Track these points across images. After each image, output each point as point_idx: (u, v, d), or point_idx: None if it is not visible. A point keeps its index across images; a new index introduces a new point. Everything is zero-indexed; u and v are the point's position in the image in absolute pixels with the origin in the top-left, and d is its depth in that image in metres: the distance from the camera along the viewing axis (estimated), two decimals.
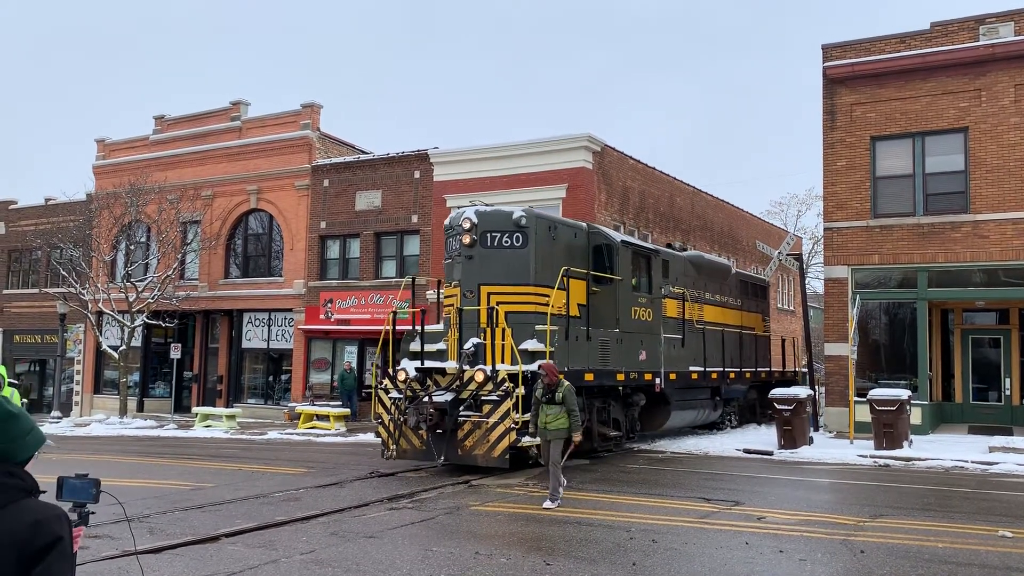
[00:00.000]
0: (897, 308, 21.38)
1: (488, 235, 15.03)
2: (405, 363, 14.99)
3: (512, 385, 13.41)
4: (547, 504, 10.73)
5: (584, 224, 17.17)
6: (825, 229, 21.96)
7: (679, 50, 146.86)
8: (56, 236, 31.10)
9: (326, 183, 28.59)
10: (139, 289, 28.67)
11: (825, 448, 17.54)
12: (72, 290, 30.18)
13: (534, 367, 12.91)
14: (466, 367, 13.99)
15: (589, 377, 15.09)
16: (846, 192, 21.27)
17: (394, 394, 14.53)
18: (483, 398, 13.64)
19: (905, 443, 16.78)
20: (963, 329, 23.32)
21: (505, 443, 13.26)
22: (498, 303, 14.43)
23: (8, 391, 10.89)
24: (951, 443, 17.88)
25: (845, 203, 21.24)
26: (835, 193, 21.44)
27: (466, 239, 14.99)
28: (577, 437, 10.93)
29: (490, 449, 13.44)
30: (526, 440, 13.19)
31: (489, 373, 13.65)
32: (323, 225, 28.55)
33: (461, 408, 13.72)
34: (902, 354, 21.06)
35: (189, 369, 31.58)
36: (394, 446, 14.39)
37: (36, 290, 35.33)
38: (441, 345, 15.19)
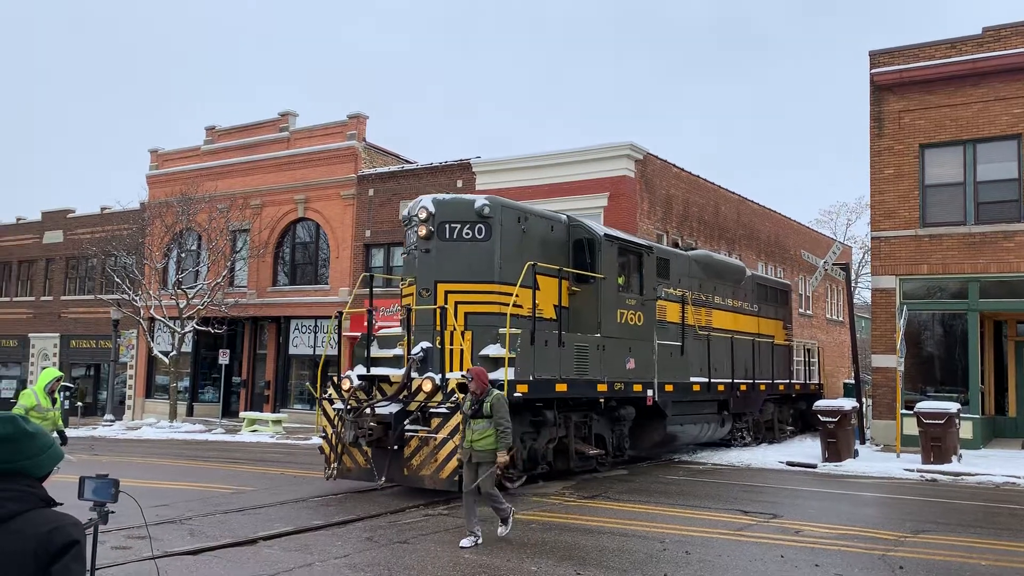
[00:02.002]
0: (947, 319, 20.88)
1: (447, 226, 13.35)
2: (358, 370, 13.25)
3: (463, 396, 11.26)
4: (500, 531, 9.35)
5: (564, 217, 15.35)
6: (872, 239, 21.58)
7: (721, 55, 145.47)
8: (111, 244, 31.98)
9: (371, 192, 28.98)
10: (189, 296, 29.32)
11: (870, 461, 17.20)
12: (125, 297, 30.99)
13: (497, 375, 11.89)
14: (415, 375, 12.30)
15: (561, 388, 13.36)
16: (894, 201, 20.87)
17: (339, 405, 12.67)
18: (431, 410, 11.89)
19: (954, 458, 16.37)
20: (1017, 341, 22.68)
21: (454, 463, 11.37)
22: (457, 303, 13.07)
23: (29, 393, 11.22)
24: (1003, 458, 17.39)
25: (893, 212, 20.84)
26: (883, 202, 21.05)
27: (422, 231, 13.35)
28: (502, 457, 8.96)
29: (438, 469, 11.64)
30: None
31: (438, 382, 11.96)
32: (368, 234, 28.94)
33: (407, 421, 11.91)
34: (953, 366, 20.56)
35: (237, 375, 32.18)
36: (335, 464, 12.50)
37: (91, 296, 36.33)
38: (398, 350, 13.57)
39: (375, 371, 13.10)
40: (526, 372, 12.58)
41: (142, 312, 31.16)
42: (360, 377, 12.87)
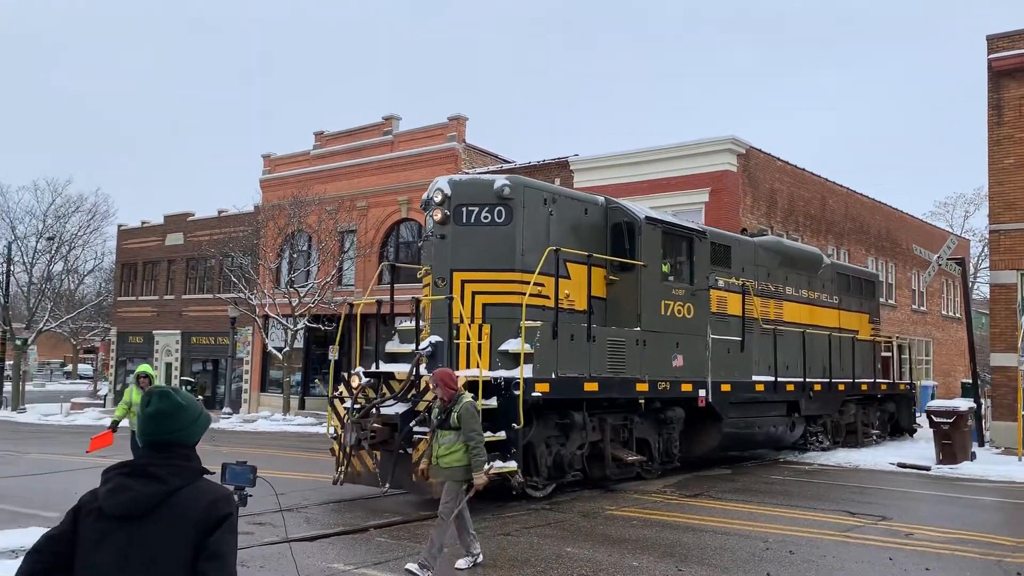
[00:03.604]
0: None
1: (463, 209, 12.20)
2: (383, 366, 12.39)
3: (471, 395, 10.09)
4: (459, 564, 7.97)
5: (601, 198, 13.91)
6: (991, 231, 20.63)
7: (825, 44, 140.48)
8: (228, 245, 33.62)
9: None
10: (301, 294, 30.53)
11: (989, 464, 16.48)
12: (241, 295, 32.51)
13: (512, 374, 11.01)
14: (424, 372, 11.13)
15: (591, 387, 12.15)
16: (1014, 192, 19.88)
17: (349, 403, 11.72)
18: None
19: None
20: None
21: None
22: (474, 293, 12.01)
23: (136, 392, 11.94)
24: None
25: (1013, 203, 19.86)
26: (1002, 193, 20.09)
27: (437, 215, 12.27)
28: (479, 480, 7.60)
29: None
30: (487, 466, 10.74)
31: None
32: None
33: (415, 422, 10.75)
34: None
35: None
36: (342, 468, 11.49)
37: (210, 295, 38.26)
38: (424, 343, 12.24)
39: (384, 367, 12.29)
40: (547, 369, 11.52)
41: (257, 310, 32.63)
42: (367, 374, 12.04)
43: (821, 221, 28.98)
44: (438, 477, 7.85)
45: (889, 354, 23.59)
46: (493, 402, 10.88)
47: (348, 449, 11.33)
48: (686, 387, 14.04)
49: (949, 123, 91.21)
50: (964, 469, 16.11)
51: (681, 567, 8.00)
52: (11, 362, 39.46)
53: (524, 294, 11.38)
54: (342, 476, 11.55)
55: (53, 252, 41.68)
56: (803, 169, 28.17)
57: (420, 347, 11.60)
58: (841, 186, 30.70)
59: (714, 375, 14.72)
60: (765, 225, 25.55)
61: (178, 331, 40.13)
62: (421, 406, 10.81)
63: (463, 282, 12.07)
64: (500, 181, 12.21)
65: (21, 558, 8.11)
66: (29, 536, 9.02)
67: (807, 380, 17.36)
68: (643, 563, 8.13)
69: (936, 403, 17.20)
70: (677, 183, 24.89)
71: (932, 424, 16.93)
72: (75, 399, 38.32)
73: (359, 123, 33.97)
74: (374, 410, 11.11)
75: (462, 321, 11.59)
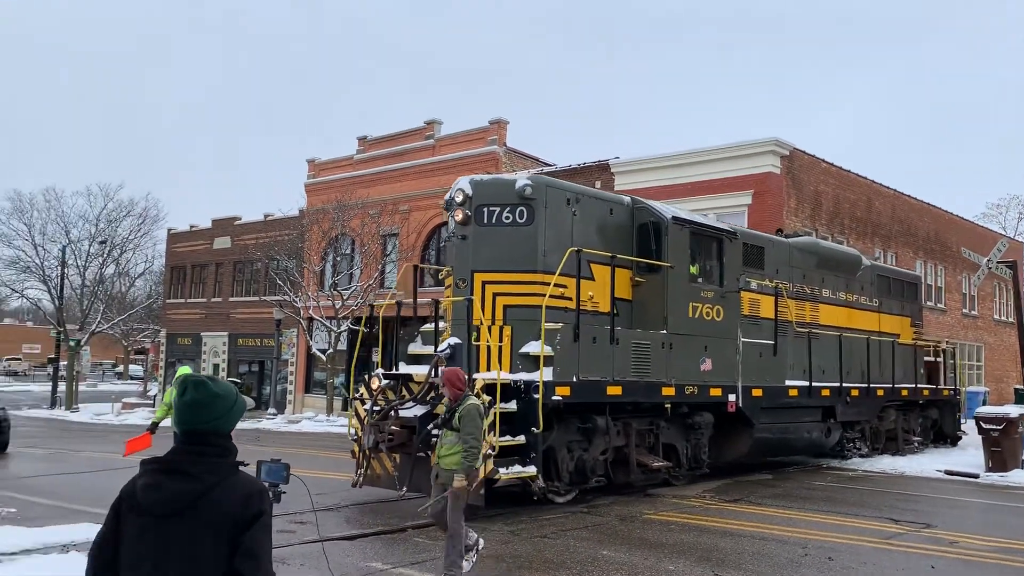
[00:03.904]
0: None
1: (485, 210, 12.08)
2: (404, 368, 12.30)
3: (489, 399, 10.39)
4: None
5: (627, 198, 13.77)
6: None
7: (867, 41, 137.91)
8: (273, 249, 34.18)
9: None
10: (344, 297, 30.92)
11: None
12: (286, 298, 33.04)
13: (532, 376, 10.84)
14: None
15: (614, 391, 11.90)
16: None
17: (369, 405, 11.62)
18: (459, 414, 11.22)
19: None
20: None
21: (480, 474, 9.66)
22: (495, 294, 11.84)
23: (170, 393, 12.20)
24: None
25: None
26: None
27: (459, 215, 12.16)
28: (459, 482, 7.38)
29: (478, 480, 10.58)
30: (505, 471, 10.43)
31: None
32: None
33: (433, 425, 10.21)
34: None
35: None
36: (362, 470, 11.50)
37: (256, 298, 38.92)
38: (443, 345, 12.06)
39: (404, 369, 12.19)
40: (568, 372, 11.33)
41: (301, 312, 33.11)
42: (386, 376, 11.95)
43: (867, 223, 28.51)
44: (440, 478, 7.72)
45: (934, 359, 22.89)
46: (513, 405, 10.72)
47: (367, 451, 11.31)
48: (715, 391, 13.73)
49: (1005, 122, 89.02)
50: (1015, 477, 15.73)
51: (718, 572, 7.96)
52: (65, 363, 40.57)
53: (546, 295, 11.19)
54: (361, 479, 11.55)
55: (105, 255, 42.78)
56: (848, 171, 27.76)
57: (439, 349, 11.50)
58: (888, 188, 30.18)
59: (745, 379, 14.37)
60: (810, 228, 25.23)
61: (225, 333, 40.87)
62: (440, 409, 10.49)
63: (484, 283, 11.94)
64: (522, 181, 12.13)
65: (70, 552, 8.34)
66: (78, 532, 9.31)
67: (843, 385, 16.92)
68: (679, 567, 8.11)
69: (985, 409, 16.84)
70: (719, 185, 24.71)
71: (981, 431, 16.56)
72: (126, 399, 39.23)
73: (401, 127, 34.32)
74: (392, 412, 11.06)
75: (482, 324, 11.45)
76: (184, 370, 12.48)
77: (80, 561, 7.96)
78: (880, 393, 18.19)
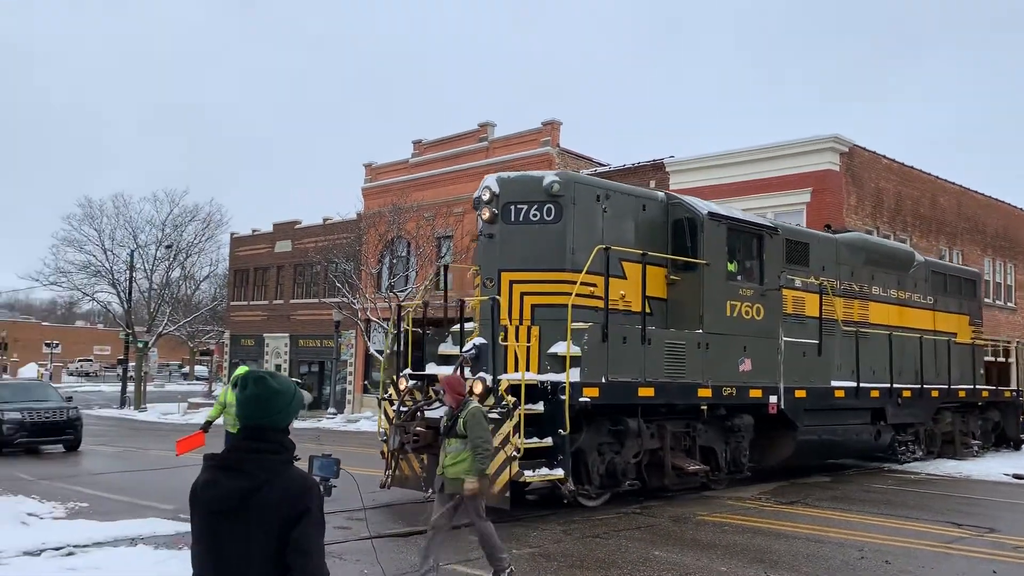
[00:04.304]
0: None
1: (512, 208, 11.79)
2: (432, 368, 12.27)
3: (514, 400, 10.21)
4: None
5: (661, 194, 13.43)
6: None
7: (933, 31, 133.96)
8: (332, 252, 34.80)
9: None
10: (400, 299, 31.33)
11: None
12: (345, 300, 33.60)
13: (559, 377, 10.63)
14: (468, 374, 10.96)
15: (646, 392, 11.55)
16: None
17: (397, 405, 11.59)
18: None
19: None
20: None
21: (505, 477, 9.97)
22: (523, 294, 11.60)
23: (231, 393, 12.49)
24: None
25: None
26: None
27: (486, 214, 11.91)
28: (470, 484, 7.27)
29: (491, 482, 9.85)
30: (531, 474, 10.23)
31: (490, 383, 10.48)
32: None
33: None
34: None
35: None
36: (390, 471, 11.44)
37: (316, 300, 39.66)
38: (468, 346, 11.94)
39: (434, 370, 12.07)
40: (597, 373, 11.00)
41: (359, 314, 33.65)
42: (411, 376, 11.87)
43: (931, 221, 27.79)
44: (447, 488, 7.47)
45: (994, 358, 22.09)
46: (540, 407, 10.55)
47: (395, 452, 11.28)
48: (755, 393, 13.27)
49: None
50: None
51: (770, 573, 7.92)
52: (133, 364, 41.90)
53: (580, 295, 10.97)
54: (389, 479, 11.47)
55: (171, 260, 44.00)
56: (911, 167, 27.09)
57: (464, 349, 11.43)
58: (953, 183, 29.36)
59: (787, 380, 13.87)
60: (871, 226, 24.71)
61: (287, 334, 41.74)
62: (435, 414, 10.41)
63: (511, 282, 11.69)
64: (549, 177, 11.80)
65: (139, 545, 8.67)
66: (146, 526, 9.69)
67: (894, 386, 16.32)
68: (730, 568, 8.09)
69: None
70: (776, 183, 24.36)
71: None
72: (192, 399, 40.36)
73: (455, 131, 34.62)
74: (419, 413, 11.00)
75: (509, 324, 11.29)
76: (243, 369, 12.83)
77: (147, 554, 8.31)
78: (934, 394, 17.62)
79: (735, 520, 10.75)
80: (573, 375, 10.59)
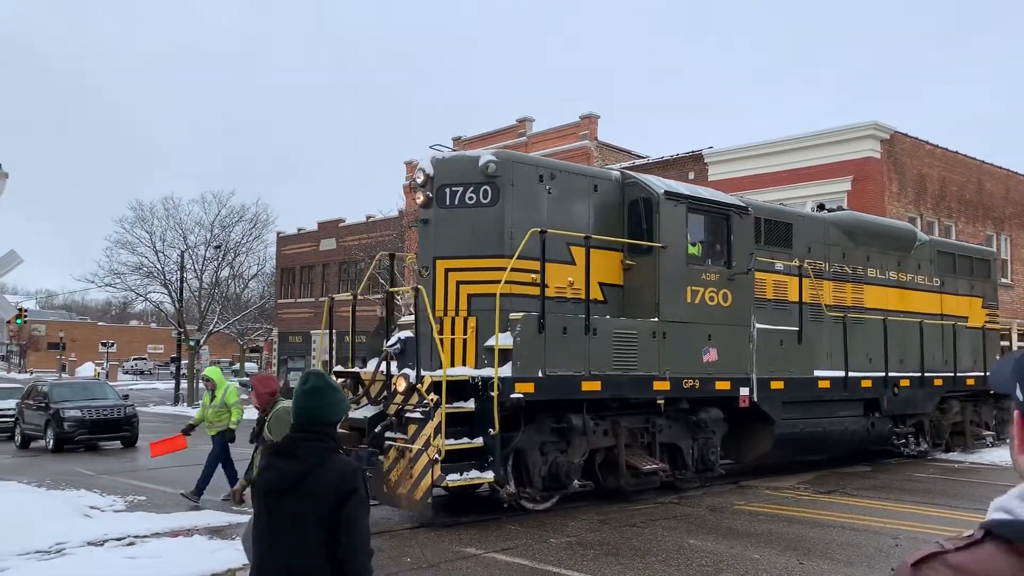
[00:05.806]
0: None
1: (447, 191, 10.99)
2: (339, 366, 11.66)
3: (436, 398, 9.55)
4: None
5: (615, 173, 12.48)
6: None
7: (982, 12, 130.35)
8: (375, 249, 35.35)
9: None
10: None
11: None
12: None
13: (489, 373, 9.83)
14: (394, 371, 10.36)
15: (591, 386, 10.64)
16: None
17: None
18: (407, 415, 9.82)
19: None
20: None
21: (426, 482, 9.28)
22: (459, 283, 10.83)
23: (233, 390, 12.86)
24: None
25: None
26: None
27: (420, 198, 11.15)
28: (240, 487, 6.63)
29: (413, 488, 9.42)
30: (456, 478, 9.54)
31: (413, 380, 9.87)
32: None
33: (380, 427, 9.92)
34: None
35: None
36: None
37: (362, 296, 40.25)
38: (392, 340, 11.19)
39: (358, 367, 11.55)
40: (532, 367, 10.12)
41: (403, 311, 34.15)
42: (338, 374, 11.31)
43: (978, 206, 27.34)
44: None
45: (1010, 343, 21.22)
46: (470, 404, 9.88)
47: None
48: (722, 385, 12.26)
49: None
50: None
51: (803, 560, 8.06)
52: (186, 361, 43.04)
53: (520, 283, 10.32)
54: None
55: (220, 259, 44.98)
56: (955, 152, 26.67)
57: (387, 344, 10.74)
58: (1000, 167, 28.82)
59: (760, 370, 12.82)
60: (914, 212, 24.42)
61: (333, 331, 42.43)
62: (391, 409, 9.99)
63: (447, 271, 10.93)
64: (486, 157, 10.98)
65: (194, 536, 9.15)
66: (201, 518, 10.17)
67: (890, 375, 15.30)
68: (764, 556, 8.25)
69: None
70: (817, 172, 24.22)
71: None
72: (242, 395, 41.36)
73: (495, 126, 34.89)
74: None
75: (444, 315, 10.74)
76: (212, 370, 13.22)
77: (202, 543, 8.76)
78: (937, 383, 16.51)
79: (771, 509, 10.88)
80: (505, 370, 9.89)
